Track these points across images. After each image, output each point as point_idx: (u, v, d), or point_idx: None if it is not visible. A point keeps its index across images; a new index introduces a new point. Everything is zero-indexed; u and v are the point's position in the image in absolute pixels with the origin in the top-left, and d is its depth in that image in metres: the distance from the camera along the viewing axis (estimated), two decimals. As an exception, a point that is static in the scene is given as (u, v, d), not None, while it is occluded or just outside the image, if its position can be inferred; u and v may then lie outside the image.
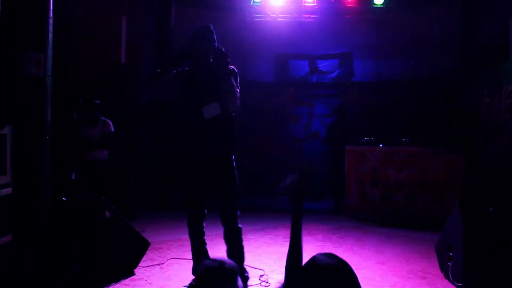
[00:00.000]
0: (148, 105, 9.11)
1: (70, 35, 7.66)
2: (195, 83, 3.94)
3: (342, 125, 8.18)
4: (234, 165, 4.01)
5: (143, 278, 4.37)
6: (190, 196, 4.06)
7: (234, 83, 3.92)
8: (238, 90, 3.98)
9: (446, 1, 10.13)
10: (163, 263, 4.86)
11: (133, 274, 4.44)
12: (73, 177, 6.37)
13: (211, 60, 3.99)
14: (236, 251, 4.01)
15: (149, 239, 4.78)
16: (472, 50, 9.18)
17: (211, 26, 4.07)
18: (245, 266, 4.68)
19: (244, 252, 4.09)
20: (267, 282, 4.23)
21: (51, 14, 3.90)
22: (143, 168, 9.30)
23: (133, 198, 7.71)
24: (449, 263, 4.22)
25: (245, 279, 4.01)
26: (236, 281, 1.85)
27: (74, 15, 7.95)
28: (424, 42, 10.79)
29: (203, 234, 4.11)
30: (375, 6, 10.28)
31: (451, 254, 4.20)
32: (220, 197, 4.03)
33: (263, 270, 4.60)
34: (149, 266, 4.71)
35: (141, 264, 4.63)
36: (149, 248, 4.75)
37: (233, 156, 4.01)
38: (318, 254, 1.75)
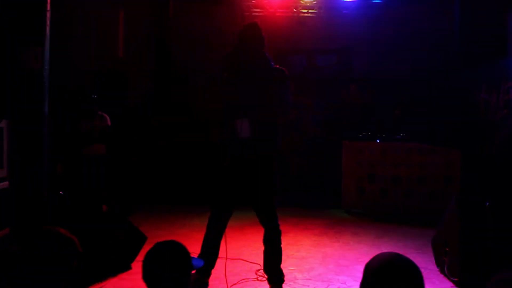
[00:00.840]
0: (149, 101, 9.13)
1: (68, 28, 7.66)
2: (239, 87, 3.81)
3: (339, 120, 8.18)
4: (273, 165, 3.92)
5: (141, 272, 4.37)
6: (222, 194, 3.96)
7: (283, 90, 3.86)
8: (286, 96, 3.92)
9: (444, -3, 10.13)
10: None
11: (130, 268, 4.44)
12: (58, 171, 6.36)
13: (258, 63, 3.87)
14: (274, 253, 3.96)
15: (147, 234, 4.79)
16: (470, 46, 9.18)
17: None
18: (243, 260, 4.72)
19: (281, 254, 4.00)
20: (263, 276, 4.24)
21: (48, 7, 3.88)
22: (141, 163, 9.30)
23: (132, 193, 7.70)
24: (445, 258, 4.24)
25: (281, 281, 3.92)
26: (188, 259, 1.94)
27: (72, 8, 7.94)
28: (422, 38, 10.78)
29: (223, 232, 4.00)
30: (373, 1, 10.27)
31: (447, 249, 4.22)
32: (256, 197, 3.94)
33: (259, 264, 4.60)
34: (145, 260, 4.73)
35: (139, 258, 4.63)
36: (147, 242, 4.75)
37: (273, 156, 3.91)
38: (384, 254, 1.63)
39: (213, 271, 4.04)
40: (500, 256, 3.74)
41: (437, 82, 9.21)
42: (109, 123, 6.67)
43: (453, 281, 4.07)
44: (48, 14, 3.90)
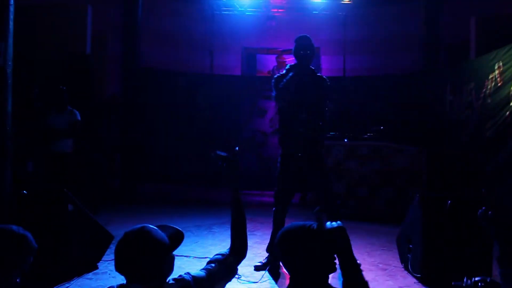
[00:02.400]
0: (113, 98, 9.02)
1: (33, 24, 7.49)
2: (298, 88, 4.41)
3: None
4: (323, 160, 4.66)
5: (107, 271, 4.33)
6: (285, 183, 4.51)
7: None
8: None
9: (411, 0, 10.32)
10: (127, 257, 4.82)
11: (96, 267, 4.39)
12: (29, 168, 6.23)
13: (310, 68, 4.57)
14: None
15: (114, 233, 4.74)
16: (435, 48, 9.40)
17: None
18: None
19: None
20: (238, 275, 4.25)
21: (11, 1, 3.80)
22: (109, 160, 9.19)
23: (99, 191, 7.60)
24: (408, 255, 4.33)
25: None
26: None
27: (37, 3, 7.76)
28: (390, 39, 10.98)
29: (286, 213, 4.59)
30: (342, 2, 10.39)
31: (410, 246, 4.31)
32: (315, 184, 4.58)
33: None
34: (113, 259, 4.65)
35: (105, 257, 4.58)
36: (114, 241, 4.70)
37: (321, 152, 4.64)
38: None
39: (181, 271, 4.03)
40: (461, 252, 3.85)
41: (404, 82, 9.38)
42: (79, 118, 6.57)
43: (416, 277, 4.16)
44: (12, 9, 3.82)
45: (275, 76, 4.64)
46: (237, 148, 2.36)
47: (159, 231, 1.87)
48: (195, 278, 1.93)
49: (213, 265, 2.06)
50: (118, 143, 8.86)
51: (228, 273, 2.09)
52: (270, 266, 4.41)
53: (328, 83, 4.61)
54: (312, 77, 4.54)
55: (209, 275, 1.99)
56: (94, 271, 4.31)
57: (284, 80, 4.45)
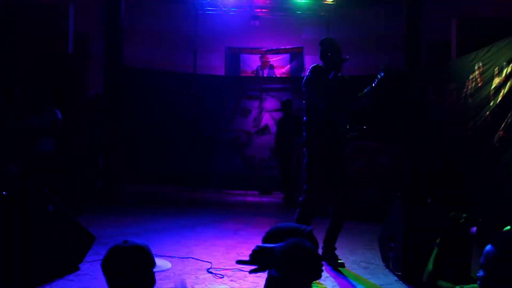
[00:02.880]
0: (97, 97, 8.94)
1: (13, 23, 7.41)
2: (329, 88, 4.57)
3: (291, 119, 8.28)
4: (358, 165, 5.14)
5: (88, 273, 4.29)
6: (312, 188, 4.66)
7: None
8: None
9: (393, 1, 10.42)
10: (109, 258, 4.79)
11: (78, 269, 4.35)
12: (12, 169, 6.15)
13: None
14: (337, 228, 4.83)
15: (96, 234, 4.71)
16: (417, 49, 9.48)
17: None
18: (193, 258, 4.72)
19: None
20: (220, 275, 4.25)
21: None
22: (92, 161, 9.11)
23: (82, 192, 7.54)
24: (390, 253, 4.38)
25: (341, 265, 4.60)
26: None
27: (18, 2, 7.68)
28: (373, 39, 11.08)
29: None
30: (325, 3, 10.45)
31: (392, 244, 4.36)
32: (335, 182, 4.71)
33: (210, 262, 4.61)
34: (94, 261, 4.63)
35: (87, 259, 4.54)
36: (96, 243, 4.67)
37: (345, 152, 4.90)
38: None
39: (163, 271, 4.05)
40: (441, 251, 3.89)
41: (386, 83, 9.41)
42: (60, 116, 6.51)
43: (397, 276, 4.20)
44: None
45: (306, 77, 4.71)
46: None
47: (145, 247, 1.99)
48: None
49: None
50: (101, 143, 8.78)
51: None
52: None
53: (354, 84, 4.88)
54: (342, 79, 4.78)
55: None
56: (76, 273, 4.27)
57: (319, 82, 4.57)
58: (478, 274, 1.57)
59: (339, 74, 4.72)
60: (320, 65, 4.68)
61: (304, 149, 4.76)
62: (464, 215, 2.86)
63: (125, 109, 8.74)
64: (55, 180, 6.38)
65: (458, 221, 2.87)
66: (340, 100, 4.59)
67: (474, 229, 3.06)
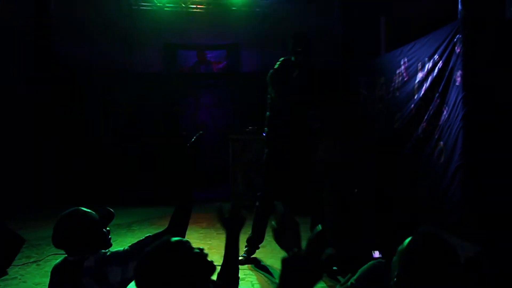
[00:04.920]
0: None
1: None
2: (292, 85, 4.52)
3: (228, 115, 8.36)
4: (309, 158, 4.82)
5: (17, 276, 4.19)
6: (272, 180, 4.60)
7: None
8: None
9: (326, -2, 10.68)
10: (40, 260, 4.68)
11: (5, 273, 4.23)
12: None
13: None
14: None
15: (28, 236, 4.60)
16: (350, 45, 9.79)
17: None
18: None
19: None
20: None
21: None
22: (25, 160, 8.79)
23: (15, 193, 7.27)
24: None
25: None
26: None
27: None
28: (309, 35, 11.28)
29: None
30: (260, -1, 10.57)
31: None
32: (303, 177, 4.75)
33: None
34: (24, 264, 4.52)
35: (16, 262, 4.42)
36: (26, 245, 4.55)
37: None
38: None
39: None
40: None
41: (324, 78, 9.63)
42: None
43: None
44: None
45: (272, 72, 4.58)
46: (201, 132, 2.41)
47: (89, 211, 2.18)
48: (113, 252, 2.15)
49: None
50: (34, 143, 8.50)
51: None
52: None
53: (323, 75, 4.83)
54: (309, 74, 4.65)
55: (129, 249, 2.15)
56: (3, 277, 4.15)
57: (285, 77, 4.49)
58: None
59: (310, 66, 4.62)
60: (288, 57, 4.61)
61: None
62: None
63: (58, 109, 8.47)
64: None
65: None
66: (306, 95, 4.50)
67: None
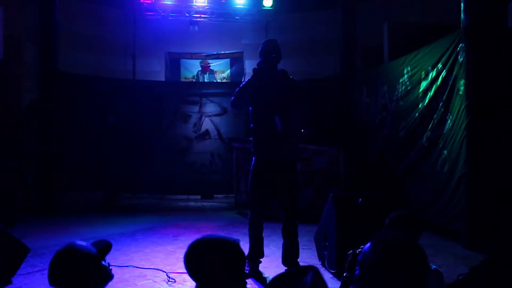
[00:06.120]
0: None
1: None
2: (264, 93, 4.37)
3: (232, 123, 8.38)
4: (297, 168, 4.64)
5: (21, 286, 4.18)
6: (257, 195, 4.47)
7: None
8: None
9: (329, 7, 10.73)
10: (45, 269, 4.67)
11: (10, 282, 4.22)
12: None
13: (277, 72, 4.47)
14: (294, 245, 4.52)
15: (31, 245, 4.58)
16: (352, 53, 9.81)
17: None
18: (132, 266, 4.69)
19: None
20: (173, 279, 4.25)
21: None
22: (27, 170, 8.80)
23: (16, 203, 7.27)
24: (325, 252, 4.53)
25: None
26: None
27: None
28: (311, 44, 11.35)
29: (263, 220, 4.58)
30: (264, 8, 10.63)
31: (327, 243, 4.51)
32: (283, 195, 4.48)
33: (150, 269, 4.60)
34: (29, 273, 4.51)
35: (20, 271, 4.41)
36: (30, 254, 4.54)
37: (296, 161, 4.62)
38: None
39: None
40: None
41: (325, 86, 9.68)
42: None
43: (332, 273, 4.35)
44: None
45: (244, 82, 4.52)
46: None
47: (84, 244, 2.03)
48: None
49: None
50: (37, 152, 8.52)
51: None
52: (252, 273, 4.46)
53: (299, 85, 4.54)
54: (280, 80, 4.44)
55: None
56: (7, 287, 4.14)
57: (247, 83, 4.39)
58: (355, 273, 1.63)
59: (290, 77, 4.51)
60: (260, 67, 4.46)
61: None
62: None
63: (62, 116, 8.50)
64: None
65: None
66: (274, 103, 4.34)
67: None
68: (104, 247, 2.09)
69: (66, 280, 1.96)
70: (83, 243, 2.04)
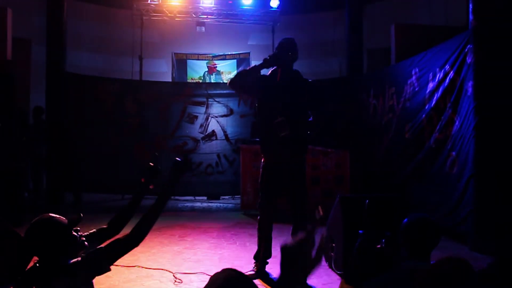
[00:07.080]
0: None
1: None
2: (275, 93, 4.29)
3: (239, 124, 8.39)
4: (305, 167, 4.54)
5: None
6: (267, 194, 4.43)
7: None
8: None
9: (336, 8, 10.72)
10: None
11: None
12: None
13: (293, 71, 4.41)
14: None
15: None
16: (359, 54, 9.79)
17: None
18: (139, 266, 4.69)
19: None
20: (180, 280, 4.26)
21: None
22: (33, 170, 8.85)
23: (21, 202, 7.30)
24: (332, 254, 4.51)
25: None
26: None
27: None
28: (318, 45, 11.34)
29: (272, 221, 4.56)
30: (270, 10, 10.63)
31: (333, 245, 4.50)
32: (293, 192, 4.42)
33: (157, 269, 4.60)
34: (36, 272, 4.54)
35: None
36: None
37: (304, 159, 4.53)
38: None
39: (109, 280, 4.02)
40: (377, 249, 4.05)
41: (332, 87, 9.66)
42: None
43: (339, 275, 4.34)
44: None
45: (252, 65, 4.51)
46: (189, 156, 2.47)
47: (57, 216, 2.28)
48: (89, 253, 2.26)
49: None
50: (45, 152, 8.56)
51: (110, 251, 2.26)
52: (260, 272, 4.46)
53: (313, 85, 4.47)
54: (294, 80, 4.38)
55: (81, 260, 2.21)
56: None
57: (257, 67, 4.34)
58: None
59: (303, 78, 4.44)
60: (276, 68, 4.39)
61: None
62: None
63: (70, 116, 8.53)
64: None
65: None
66: (287, 102, 4.25)
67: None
68: (75, 219, 2.30)
69: (37, 245, 2.20)
70: (56, 215, 2.27)
